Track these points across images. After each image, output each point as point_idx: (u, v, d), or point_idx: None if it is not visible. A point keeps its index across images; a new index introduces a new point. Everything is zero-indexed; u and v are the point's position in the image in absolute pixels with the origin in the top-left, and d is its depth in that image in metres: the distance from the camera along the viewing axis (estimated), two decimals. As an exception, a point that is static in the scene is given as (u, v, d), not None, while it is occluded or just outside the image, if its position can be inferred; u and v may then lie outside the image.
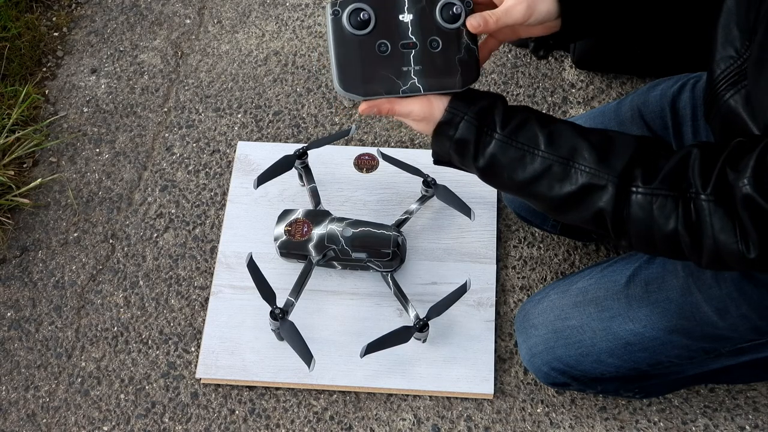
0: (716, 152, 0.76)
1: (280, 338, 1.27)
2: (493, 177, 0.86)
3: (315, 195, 1.37)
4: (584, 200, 0.80)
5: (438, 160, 0.90)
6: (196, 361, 1.31)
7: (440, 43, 0.84)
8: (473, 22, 0.84)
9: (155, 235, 1.45)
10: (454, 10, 0.83)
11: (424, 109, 0.85)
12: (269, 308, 1.21)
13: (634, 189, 0.78)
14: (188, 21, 1.72)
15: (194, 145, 1.54)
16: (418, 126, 0.87)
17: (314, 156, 1.43)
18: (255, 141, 1.54)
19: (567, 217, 0.84)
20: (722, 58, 0.82)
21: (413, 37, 0.83)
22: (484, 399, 1.27)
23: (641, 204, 0.77)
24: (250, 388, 1.30)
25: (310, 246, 1.28)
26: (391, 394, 1.28)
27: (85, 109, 1.61)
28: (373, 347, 1.18)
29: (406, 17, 0.83)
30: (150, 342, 1.34)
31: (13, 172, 1.50)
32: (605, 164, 0.79)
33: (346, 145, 1.52)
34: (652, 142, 0.82)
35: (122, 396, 1.30)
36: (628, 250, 0.84)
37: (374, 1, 0.83)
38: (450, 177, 1.39)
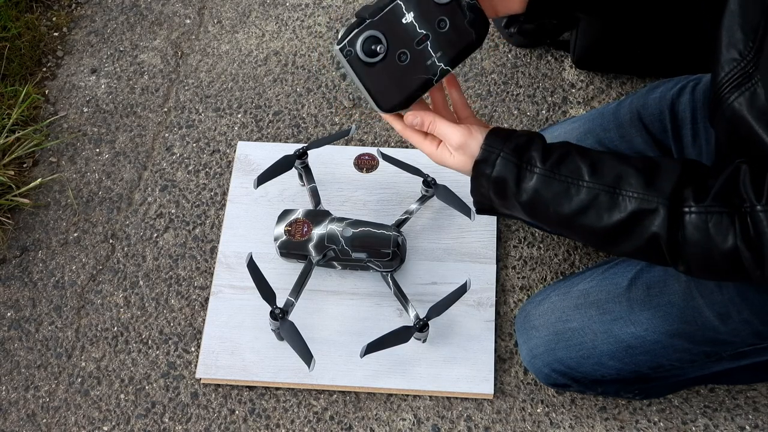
0: (764, 163, 0.76)
1: (280, 338, 1.27)
2: (537, 213, 0.84)
3: (315, 195, 1.37)
4: (636, 227, 0.79)
5: (481, 209, 0.90)
6: (196, 361, 1.31)
7: (446, 20, 0.85)
8: None
9: (155, 235, 1.45)
10: None
11: (463, 136, 0.85)
12: (269, 308, 1.21)
13: (687, 209, 0.76)
14: (188, 21, 1.72)
15: (194, 145, 1.54)
16: (455, 159, 0.87)
17: (314, 156, 1.43)
18: (255, 141, 1.54)
19: (620, 248, 0.82)
20: (726, 61, 0.82)
21: (423, 31, 0.85)
22: (484, 399, 1.27)
23: (696, 224, 0.76)
24: (250, 388, 1.30)
25: (310, 246, 1.28)
26: (391, 394, 1.28)
27: (85, 109, 1.61)
28: (373, 347, 1.18)
29: (409, 17, 0.84)
30: (150, 342, 1.34)
31: (13, 172, 1.50)
32: (653, 188, 0.78)
33: (346, 145, 1.52)
34: (697, 163, 0.81)
35: (122, 396, 1.30)
36: (685, 275, 0.84)
37: (377, 24, 0.83)
38: (450, 177, 1.39)
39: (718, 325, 0.98)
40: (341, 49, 0.83)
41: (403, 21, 0.84)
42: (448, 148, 0.88)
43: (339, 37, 0.84)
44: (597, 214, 0.80)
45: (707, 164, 0.84)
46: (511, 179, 0.83)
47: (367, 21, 0.83)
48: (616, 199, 0.79)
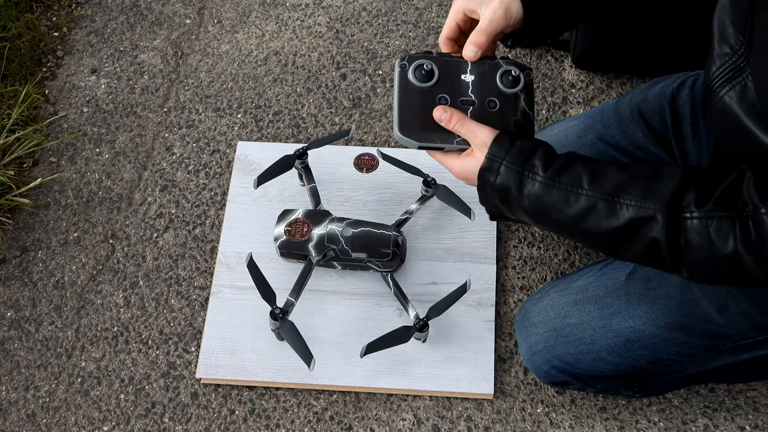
0: (756, 158, 0.76)
1: (280, 338, 1.27)
2: (540, 219, 0.86)
3: (315, 195, 1.37)
4: (635, 234, 0.80)
5: (493, 216, 0.93)
6: (196, 361, 1.31)
7: (497, 103, 0.89)
8: (468, 54, 0.88)
9: (155, 235, 1.45)
10: (513, 74, 0.89)
11: (491, 134, 0.86)
12: (269, 308, 1.21)
13: (688, 215, 0.77)
14: (188, 21, 1.72)
15: (194, 145, 1.54)
16: (476, 160, 0.87)
17: (314, 156, 1.43)
18: (255, 141, 1.54)
19: (624, 254, 0.84)
20: (718, 56, 0.82)
21: (472, 96, 0.88)
22: (484, 399, 1.27)
23: (697, 229, 0.76)
24: (250, 388, 1.30)
25: (310, 246, 1.28)
26: (391, 394, 1.28)
27: (85, 109, 1.61)
28: (373, 347, 1.18)
29: (468, 77, 0.89)
30: (150, 342, 1.34)
31: (13, 172, 1.50)
32: (651, 194, 0.79)
33: (346, 145, 1.52)
34: (701, 169, 0.82)
35: (122, 396, 1.30)
36: (689, 280, 0.86)
37: (439, 61, 0.88)
38: (450, 177, 1.38)
39: (716, 317, 0.98)
40: (401, 60, 0.88)
41: (462, 77, 0.88)
42: (469, 152, 0.88)
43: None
44: (595, 221, 0.81)
45: (708, 161, 0.84)
46: (514, 186, 0.85)
47: (434, 54, 0.88)
48: (614, 207, 0.80)
